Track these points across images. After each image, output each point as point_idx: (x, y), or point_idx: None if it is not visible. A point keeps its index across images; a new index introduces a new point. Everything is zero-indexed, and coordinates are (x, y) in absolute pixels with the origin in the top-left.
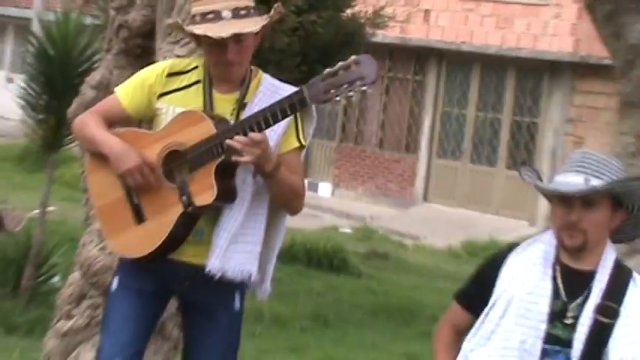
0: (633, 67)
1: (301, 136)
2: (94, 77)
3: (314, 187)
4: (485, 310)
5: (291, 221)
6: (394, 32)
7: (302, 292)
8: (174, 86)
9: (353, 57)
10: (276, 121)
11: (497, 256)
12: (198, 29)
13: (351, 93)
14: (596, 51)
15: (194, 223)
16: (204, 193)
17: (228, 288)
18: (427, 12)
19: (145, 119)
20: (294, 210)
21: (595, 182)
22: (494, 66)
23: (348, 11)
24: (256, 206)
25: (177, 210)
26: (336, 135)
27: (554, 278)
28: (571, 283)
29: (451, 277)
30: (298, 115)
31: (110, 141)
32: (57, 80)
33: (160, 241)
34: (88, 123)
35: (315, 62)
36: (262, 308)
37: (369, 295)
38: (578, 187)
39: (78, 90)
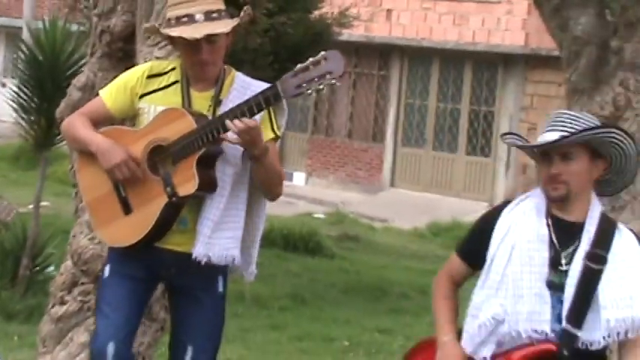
0: (579, 56)
1: (275, 128)
2: (79, 79)
3: (289, 177)
4: (488, 261)
5: (268, 209)
6: (359, 31)
7: (280, 274)
8: (154, 87)
9: (322, 53)
10: (252, 114)
11: (492, 211)
12: (174, 32)
13: (321, 86)
14: (546, 43)
15: (178, 212)
16: (187, 184)
17: (211, 272)
18: (389, 11)
19: (128, 118)
20: (276, 194)
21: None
22: (452, 60)
23: (316, 12)
24: (236, 195)
25: (162, 200)
26: (308, 127)
27: (547, 229)
28: (562, 232)
29: (417, 256)
30: (271, 108)
31: (96, 139)
32: (46, 84)
33: (147, 230)
34: (74, 124)
35: (286, 61)
36: (243, 290)
37: (342, 275)
38: (551, 140)
39: (66, 92)
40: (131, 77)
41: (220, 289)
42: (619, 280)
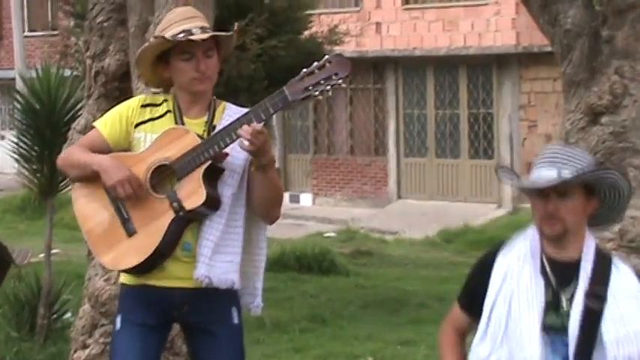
0: (571, 49)
1: None
2: (79, 123)
3: (296, 199)
4: (486, 311)
5: (279, 232)
6: (350, 47)
7: (297, 296)
8: (148, 116)
9: (326, 57)
10: (260, 121)
11: (487, 257)
12: (178, 39)
13: (327, 87)
14: (537, 40)
15: (183, 230)
16: (194, 196)
17: (224, 304)
18: (378, 24)
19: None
20: (274, 216)
21: (566, 173)
22: (446, 66)
23: (306, 33)
24: (233, 219)
25: (168, 217)
26: (310, 148)
27: (544, 271)
28: (559, 273)
29: (431, 264)
30: None
31: (98, 158)
32: (45, 131)
33: (153, 249)
34: (72, 152)
35: (282, 84)
36: (262, 316)
37: (359, 291)
38: (552, 180)
39: (66, 137)
40: (125, 108)
41: (236, 320)
42: (621, 317)
